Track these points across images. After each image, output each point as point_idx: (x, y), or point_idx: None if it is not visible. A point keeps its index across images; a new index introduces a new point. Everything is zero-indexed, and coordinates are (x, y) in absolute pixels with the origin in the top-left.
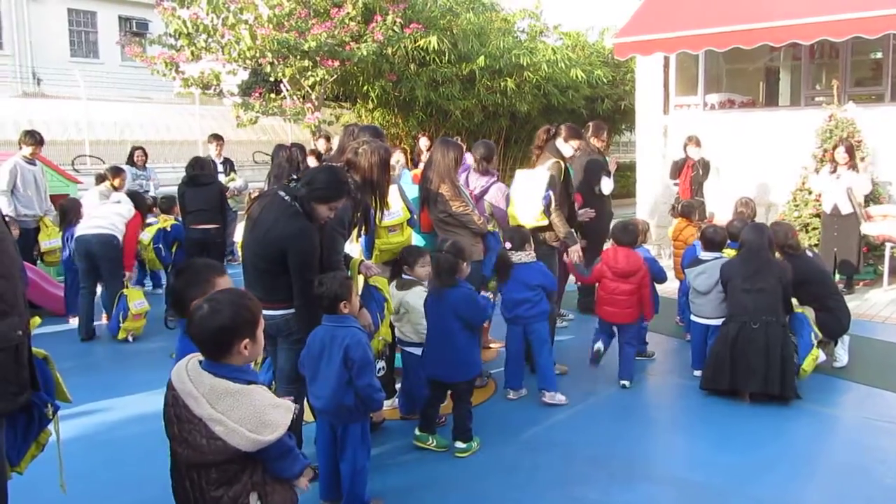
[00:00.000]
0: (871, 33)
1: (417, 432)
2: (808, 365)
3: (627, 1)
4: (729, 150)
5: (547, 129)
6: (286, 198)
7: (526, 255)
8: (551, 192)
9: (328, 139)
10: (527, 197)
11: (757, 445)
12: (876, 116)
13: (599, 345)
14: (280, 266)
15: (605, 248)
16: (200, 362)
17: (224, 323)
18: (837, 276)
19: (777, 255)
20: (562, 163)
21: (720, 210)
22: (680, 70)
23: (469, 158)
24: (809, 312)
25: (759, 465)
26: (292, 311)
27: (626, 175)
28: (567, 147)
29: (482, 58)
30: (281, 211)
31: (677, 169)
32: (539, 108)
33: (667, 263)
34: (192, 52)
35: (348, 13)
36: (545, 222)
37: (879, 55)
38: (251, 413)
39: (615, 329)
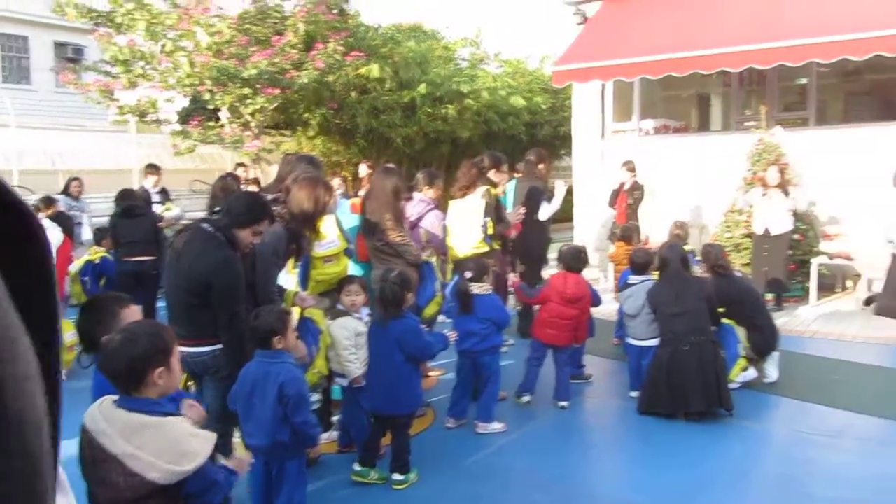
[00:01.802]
0: (794, 61)
1: (357, 467)
2: (734, 374)
3: (566, 29)
4: (664, 174)
5: (471, 163)
6: (209, 229)
7: (481, 287)
8: (488, 220)
9: (244, 167)
10: (464, 226)
11: (694, 463)
12: (801, 140)
13: (527, 398)
14: (205, 299)
15: (542, 272)
16: (115, 401)
17: (136, 352)
18: (768, 294)
19: (708, 274)
20: (492, 190)
21: (655, 233)
22: (616, 96)
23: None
24: (740, 330)
25: (697, 482)
26: (219, 346)
27: (566, 199)
28: (497, 175)
29: (423, 85)
30: (203, 242)
31: (615, 195)
32: (480, 134)
33: (609, 286)
34: (129, 80)
35: (289, 41)
36: (485, 249)
37: (805, 81)
38: (168, 444)
39: (549, 352)
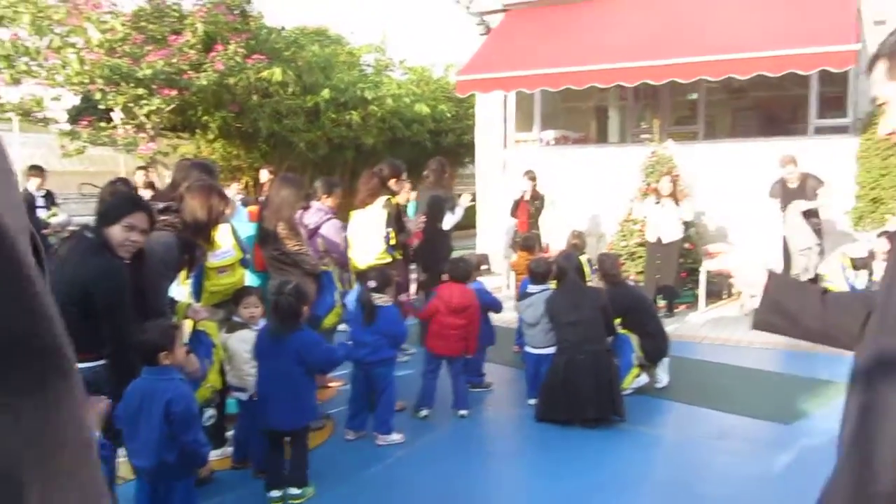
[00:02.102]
0: (685, 77)
1: (270, 493)
2: (627, 382)
3: (470, 38)
4: (564, 184)
5: (371, 174)
6: (91, 235)
7: (382, 299)
8: (390, 230)
9: (146, 170)
10: (366, 236)
11: (590, 469)
12: (691, 153)
13: (425, 412)
14: (85, 310)
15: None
16: None
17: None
18: (661, 301)
19: (603, 284)
20: (393, 200)
21: (556, 241)
22: (518, 107)
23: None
24: (634, 338)
25: (592, 487)
26: (101, 362)
27: (469, 207)
28: (397, 185)
29: (327, 90)
30: (85, 249)
31: (517, 205)
32: (385, 140)
33: (512, 294)
34: (11, 76)
35: (187, 41)
36: (387, 260)
37: (695, 97)
38: None
39: (443, 362)
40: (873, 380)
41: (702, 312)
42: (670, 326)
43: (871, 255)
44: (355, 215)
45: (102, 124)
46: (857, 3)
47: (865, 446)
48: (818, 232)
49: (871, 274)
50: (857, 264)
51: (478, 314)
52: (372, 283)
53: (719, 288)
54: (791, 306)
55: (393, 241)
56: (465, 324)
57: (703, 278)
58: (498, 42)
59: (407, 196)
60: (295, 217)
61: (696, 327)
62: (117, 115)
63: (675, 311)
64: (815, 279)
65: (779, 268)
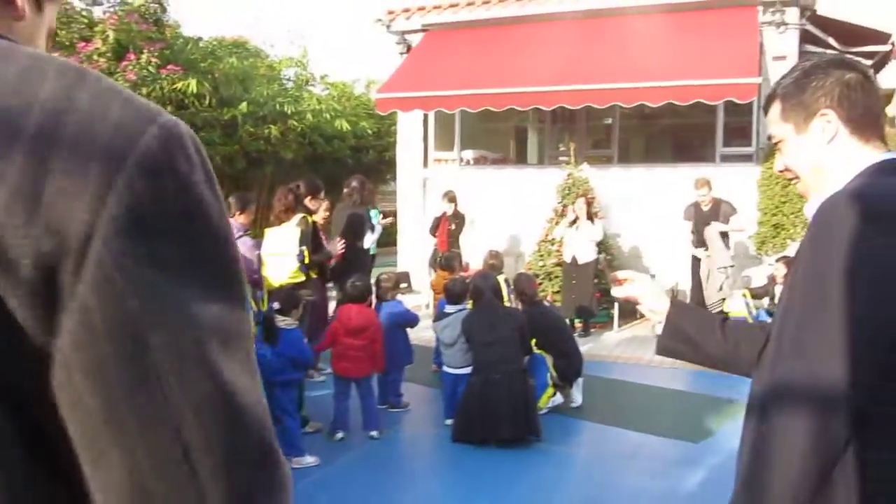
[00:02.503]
0: (599, 103)
1: None
2: (542, 402)
3: (392, 56)
4: (483, 204)
5: (288, 189)
6: None
7: (286, 322)
8: (304, 248)
9: None
10: (279, 254)
11: (505, 488)
12: (606, 177)
13: (341, 435)
14: None
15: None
16: None
17: None
18: (577, 320)
19: (519, 305)
20: (309, 218)
21: (476, 261)
22: (439, 126)
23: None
24: (548, 357)
25: None
26: None
27: (391, 224)
28: (313, 202)
29: (245, 104)
30: None
31: (437, 224)
32: (305, 156)
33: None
34: None
35: (97, 49)
36: (301, 278)
37: (610, 121)
38: None
39: (352, 385)
40: (768, 409)
41: (616, 332)
42: (585, 346)
43: (772, 280)
44: (269, 232)
45: None
46: (758, 39)
47: (760, 475)
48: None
49: (771, 298)
50: (758, 293)
51: (379, 334)
52: (276, 305)
53: (633, 308)
54: (692, 333)
55: (307, 260)
56: (366, 344)
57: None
58: (418, 61)
59: (324, 214)
60: None
61: (610, 347)
62: None
63: (591, 330)
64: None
65: (689, 287)
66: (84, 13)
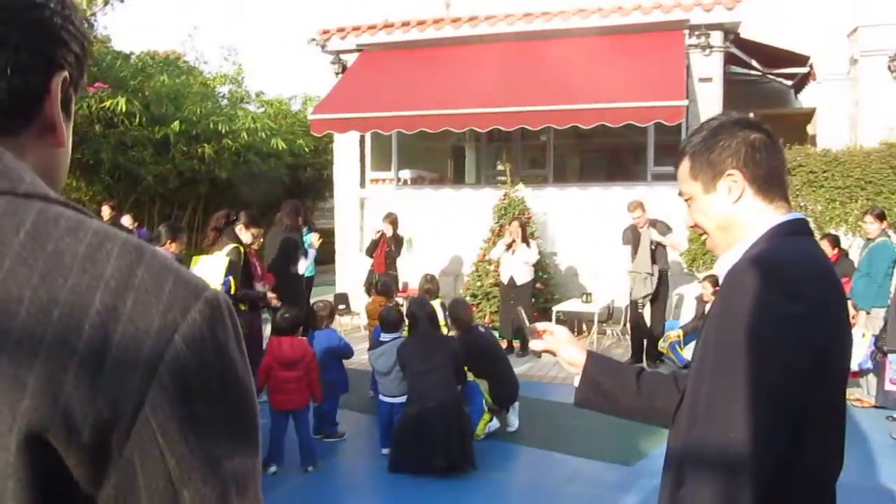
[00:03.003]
0: (533, 125)
1: None
2: (480, 429)
3: (328, 75)
4: (421, 224)
5: (226, 213)
6: None
7: None
8: (231, 278)
9: None
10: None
11: None
12: (542, 196)
13: (273, 469)
14: None
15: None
16: None
17: None
18: (515, 340)
19: (454, 331)
20: (241, 248)
21: (414, 281)
22: (375, 145)
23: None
24: (482, 384)
25: None
26: None
27: (329, 242)
28: (247, 234)
29: (177, 122)
30: None
31: (375, 246)
32: (240, 174)
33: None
34: None
35: None
36: None
37: (545, 139)
38: None
39: (289, 417)
40: (682, 473)
41: None
42: (524, 366)
43: (700, 299)
44: (199, 260)
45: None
46: (685, 61)
47: None
48: (664, 273)
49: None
50: (688, 329)
51: (314, 364)
52: None
53: (570, 326)
54: (608, 386)
55: (233, 291)
56: (301, 375)
57: (554, 317)
58: (353, 82)
59: (256, 242)
60: None
61: (548, 367)
62: None
63: (529, 350)
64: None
65: (624, 306)
66: None
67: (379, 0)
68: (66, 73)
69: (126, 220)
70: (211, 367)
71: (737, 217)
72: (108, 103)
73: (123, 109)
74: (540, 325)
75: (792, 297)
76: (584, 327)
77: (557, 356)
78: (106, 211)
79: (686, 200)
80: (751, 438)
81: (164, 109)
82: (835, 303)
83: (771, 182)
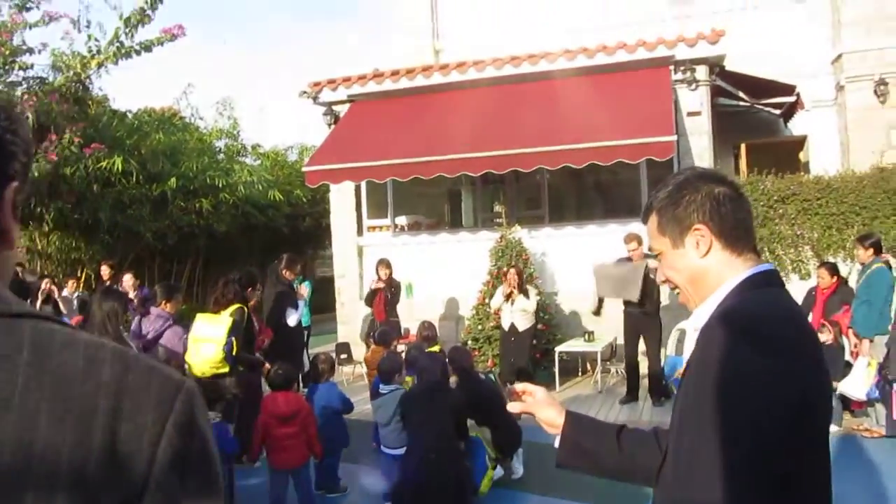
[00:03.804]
0: (525, 167)
1: None
2: (484, 486)
3: (320, 125)
4: (419, 269)
5: (226, 281)
6: None
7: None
8: (233, 339)
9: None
10: (207, 340)
11: None
12: (539, 237)
13: None
14: None
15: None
16: None
17: None
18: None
19: (453, 378)
20: (245, 308)
21: (415, 327)
22: (371, 192)
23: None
24: (484, 433)
25: None
26: None
27: (328, 289)
28: (252, 295)
29: (174, 179)
30: None
31: (373, 295)
32: (238, 227)
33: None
34: None
35: None
36: (225, 370)
37: (539, 178)
38: None
39: (289, 476)
40: None
41: (557, 392)
42: None
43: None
44: (201, 318)
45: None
46: (672, 97)
47: None
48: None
49: None
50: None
51: (311, 418)
52: None
53: (574, 365)
54: (589, 446)
55: (235, 352)
56: (298, 430)
57: (557, 357)
58: (345, 132)
59: (256, 298)
60: (121, 331)
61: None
62: None
63: None
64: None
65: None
66: (1, 94)
67: (368, 51)
68: (15, 183)
69: (127, 279)
70: (195, 445)
71: (706, 271)
72: (104, 163)
73: (120, 168)
74: (518, 386)
75: (763, 350)
76: (588, 366)
77: (536, 417)
78: (105, 270)
79: (656, 256)
80: (726, 502)
81: (160, 166)
82: (810, 356)
83: (738, 234)
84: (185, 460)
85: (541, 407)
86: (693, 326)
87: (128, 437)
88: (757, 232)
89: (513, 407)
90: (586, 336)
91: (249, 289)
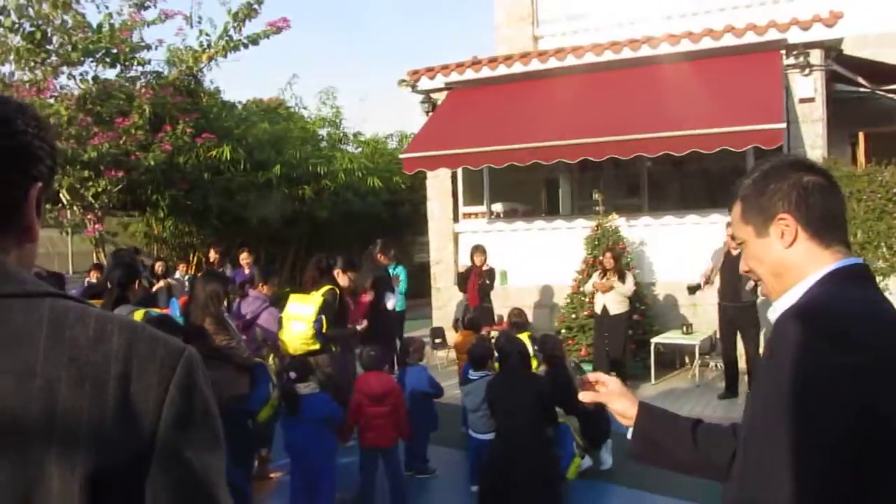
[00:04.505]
0: (623, 154)
1: None
2: (571, 473)
3: (419, 113)
4: (514, 256)
5: (323, 258)
6: None
7: (306, 387)
8: (323, 317)
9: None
10: (298, 318)
11: None
12: (637, 225)
13: None
14: None
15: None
16: None
17: None
18: (611, 374)
19: (543, 366)
20: (336, 290)
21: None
22: (467, 180)
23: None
24: (573, 422)
25: None
26: None
27: (422, 272)
28: (343, 279)
29: (279, 166)
30: None
31: (465, 279)
32: (339, 213)
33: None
34: None
35: (134, 122)
36: (315, 346)
37: (639, 166)
38: None
39: (379, 456)
40: None
41: (652, 385)
42: None
43: None
44: (293, 299)
45: (48, 206)
46: (782, 83)
47: None
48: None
49: None
50: None
51: (401, 400)
52: (292, 374)
53: (671, 358)
54: (662, 439)
55: (325, 329)
56: (389, 411)
57: (653, 349)
58: (442, 120)
59: (352, 285)
60: (222, 311)
61: (646, 400)
62: (64, 197)
63: (627, 384)
64: None
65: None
66: (123, 88)
67: (468, 40)
68: (40, 184)
69: (244, 256)
70: (197, 404)
71: (790, 262)
72: (214, 152)
73: (228, 157)
74: (591, 376)
75: (840, 346)
76: (686, 360)
77: (609, 408)
78: (213, 255)
79: (739, 245)
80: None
81: (265, 155)
82: (892, 359)
83: (826, 225)
84: (188, 418)
85: (613, 397)
86: (771, 319)
87: (137, 398)
88: (874, 226)
89: (584, 396)
90: (684, 328)
91: (340, 271)
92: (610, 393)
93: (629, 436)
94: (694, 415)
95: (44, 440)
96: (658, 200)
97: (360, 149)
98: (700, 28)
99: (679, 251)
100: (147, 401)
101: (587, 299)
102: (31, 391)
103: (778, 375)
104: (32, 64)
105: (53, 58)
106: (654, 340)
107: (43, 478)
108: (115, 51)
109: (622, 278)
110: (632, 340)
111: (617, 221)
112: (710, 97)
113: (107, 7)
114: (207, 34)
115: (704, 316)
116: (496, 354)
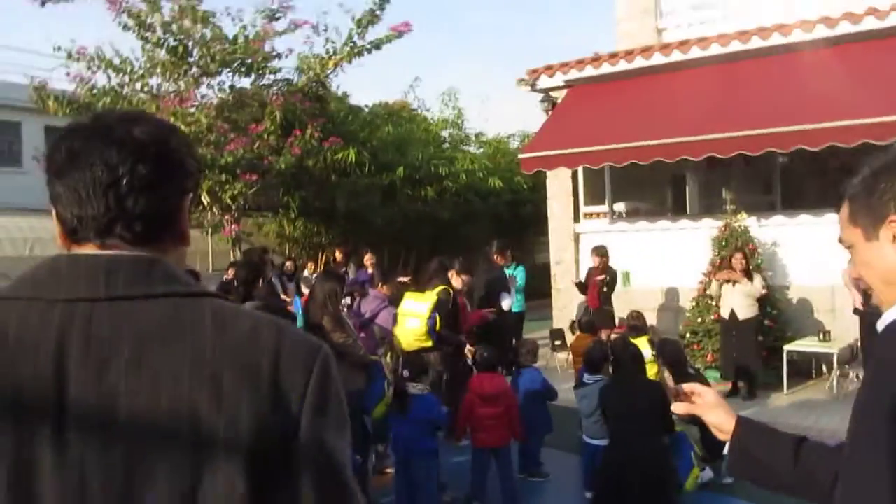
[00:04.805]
0: (753, 150)
1: None
2: (689, 484)
3: (539, 113)
4: (637, 257)
5: (437, 261)
6: None
7: (416, 387)
8: (437, 315)
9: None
10: (412, 314)
11: None
12: (769, 224)
13: None
14: None
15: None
16: None
17: None
18: (740, 382)
19: (666, 373)
20: (450, 290)
21: None
22: (588, 179)
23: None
24: (693, 431)
25: None
26: None
27: (542, 275)
28: (457, 281)
29: (402, 168)
30: None
31: (587, 281)
32: (461, 214)
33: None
34: None
35: (266, 128)
36: (428, 344)
37: (771, 162)
38: None
39: (491, 456)
40: None
41: (786, 395)
42: (749, 411)
43: None
44: (408, 296)
45: (191, 208)
46: None
47: None
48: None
49: None
50: None
51: (514, 401)
52: (406, 373)
53: (807, 367)
54: (761, 455)
55: (438, 327)
56: (501, 412)
57: (786, 357)
58: (561, 119)
59: (465, 286)
60: (340, 309)
61: (777, 412)
62: (204, 200)
63: (757, 393)
64: None
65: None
66: (256, 96)
67: (590, 37)
68: (191, 194)
69: (368, 257)
70: (333, 393)
71: None
72: (340, 155)
73: (354, 160)
74: (686, 387)
75: None
76: (824, 369)
77: (705, 421)
78: (338, 255)
79: (847, 248)
80: None
81: (389, 157)
82: None
83: None
84: (325, 405)
85: (709, 410)
86: (879, 329)
87: (284, 388)
88: None
89: (677, 408)
90: (821, 335)
91: (455, 272)
92: (706, 405)
93: (726, 451)
94: (830, 429)
95: (214, 418)
96: (792, 199)
97: (481, 149)
98: (838, 12)
99: (815, 253)
100: (293, 390)
101: (714, 303)
102: (203, 380)
103: (882, 393)
104: (176, 76)
105: (194, 69)
106: (787, 348)
107: (212, 457)
108: (249, 61)
109: (750, 278)
110: (763, 347)
111: (747, 221)
112: (848, 86)
113: (241, 20)
114: (333, 41)
115: (844, 323)
116: (611, 358)
